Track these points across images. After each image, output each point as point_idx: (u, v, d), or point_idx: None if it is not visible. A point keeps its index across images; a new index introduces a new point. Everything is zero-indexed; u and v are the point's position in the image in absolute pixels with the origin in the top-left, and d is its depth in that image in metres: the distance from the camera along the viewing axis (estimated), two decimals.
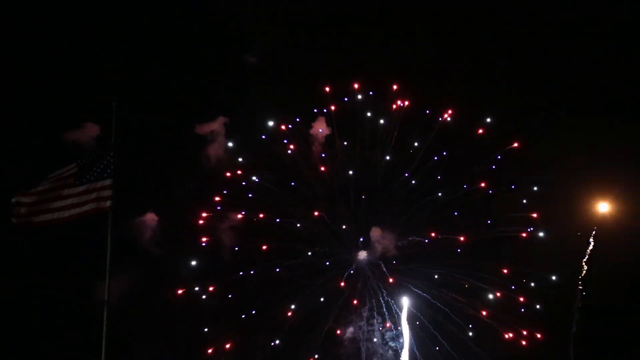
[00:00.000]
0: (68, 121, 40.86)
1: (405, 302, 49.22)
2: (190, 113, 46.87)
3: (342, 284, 48.99)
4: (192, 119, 46.97)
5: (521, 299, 48.80)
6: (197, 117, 47.25)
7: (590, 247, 49.57)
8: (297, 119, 50.44)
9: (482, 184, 50.81)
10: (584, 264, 50.10)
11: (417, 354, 47.84)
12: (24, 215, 26.71)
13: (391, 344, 48.18)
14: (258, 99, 48.91)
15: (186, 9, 46.57)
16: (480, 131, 51.07)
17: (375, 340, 48.59)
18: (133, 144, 37.04)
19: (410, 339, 47.69)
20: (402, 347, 47.82)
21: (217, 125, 48.29)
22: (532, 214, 50.17)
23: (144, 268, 43.44)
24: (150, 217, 46.24)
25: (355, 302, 48.91)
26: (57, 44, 43.65)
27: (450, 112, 51.42)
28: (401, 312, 48.91)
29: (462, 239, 49.87)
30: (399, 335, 47.94)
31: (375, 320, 48.56)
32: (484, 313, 48.57)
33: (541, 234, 49.86)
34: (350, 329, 48.34)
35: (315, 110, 50.50)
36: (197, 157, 48.00)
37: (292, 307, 47.86)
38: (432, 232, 49.60)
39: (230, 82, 48.61)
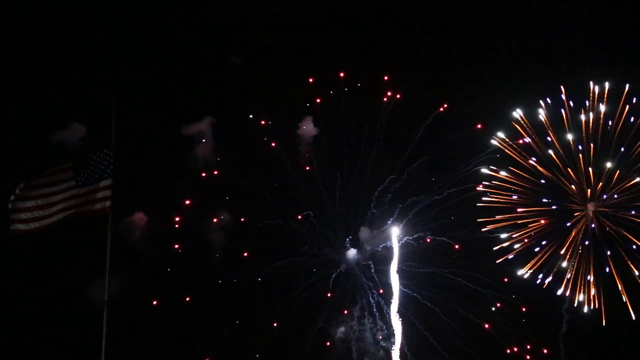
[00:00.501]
0: (67, 121, 41.04)
1: (394, 232, 47.24)
2: (190, 113, 47.11)
3: (329, 294, 48.90)
4: (191, 119, 47.34)
5: (523, 309, 45.49)
6: (196, 117, 47.68)
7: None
8: (283, 117, 50.00)
9: (480, 186, 46.03)
10: (571, 266, 41.63)
11: (408, 354, 47.94)
12: (23, 222, 26.71)
13: (382, 343, 48.31)
14: (247, 99, 48.99)
15: (185, 9, 46.71)
16: (479, 126, 47.27)
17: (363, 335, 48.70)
18: (132, 144, 37.18)
19: (402, 340, 47.79)
20: (392, 343, 47.59)
21: (204, 125, 48.46)
22: (540, 220, 42.49)
23: (133, 269, 43.41)
24: (139, 217, 46.38)
25: (345, 312, 48.88)
26: (57, 44, 43.72)
27: (445, 106, 47.64)
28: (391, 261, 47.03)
29: (456, 247, 46.37)
30: (390, 335, 48.08)
31: (366, 320, 48.64)
32: (486, 326, 46.10)
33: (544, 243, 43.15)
34: (342, 329, 48.41)
35: (301, 106, 50.10)
36: (187, 158, 48.23)
37: (280, 312, 47.79)
38: (425, 234, 48.75)
39: (222, 82, 48.69)
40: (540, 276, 37.96)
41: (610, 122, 35.95)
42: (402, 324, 47.65)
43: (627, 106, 37.05)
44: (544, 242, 38.69)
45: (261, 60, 49.89)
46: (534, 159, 39.35)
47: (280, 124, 49.98)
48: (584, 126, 37.47)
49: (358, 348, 48.10)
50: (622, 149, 36.18)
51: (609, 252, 35.18)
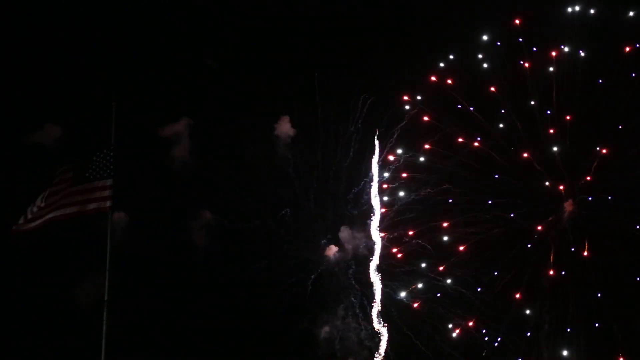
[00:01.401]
0: (67, 121, 40.86)
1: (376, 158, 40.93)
2: (173, 113, 47.10)
3: (310, 295, 49.16)
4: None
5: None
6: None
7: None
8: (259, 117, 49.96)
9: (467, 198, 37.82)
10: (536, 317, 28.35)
11: (391, 354, 48.28)
12: (25, 221, 26.76)
13: (366, 343, 48.67)
14: (225, 99, 49.31)
15: (184, 10, 46.84)
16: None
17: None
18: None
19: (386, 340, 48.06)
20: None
21: (181, 126, 48.62)
22: (537, 227, 29.63)
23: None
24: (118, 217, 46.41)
25: (327, 330, 49.19)
26: (56, 44, 43.58)
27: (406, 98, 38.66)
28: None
29: (440, 268, 39.84)
30: (373, 335, 48.44)
31: (350, 320, 48.96)
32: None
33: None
34: (326, 329, 48.70)
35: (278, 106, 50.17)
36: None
37: (262, 313, 47.83)
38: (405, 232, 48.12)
39: (201, 83, 48.87)
40: (485, 332, 27.21)
41: (600, 80, 22.58)
42: (384, 324, 48.00)
43: (627, 49, 21.85)
44: (495, 273, 27.11)
45: (238, 60, 50.06)
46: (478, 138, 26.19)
47: (256, 124, 50.04)
48: (554, 84, 23.34)
49: (342, 348, 48.43)
50: (620, 126, 22.44)
51: (599, 294, 22.69)
